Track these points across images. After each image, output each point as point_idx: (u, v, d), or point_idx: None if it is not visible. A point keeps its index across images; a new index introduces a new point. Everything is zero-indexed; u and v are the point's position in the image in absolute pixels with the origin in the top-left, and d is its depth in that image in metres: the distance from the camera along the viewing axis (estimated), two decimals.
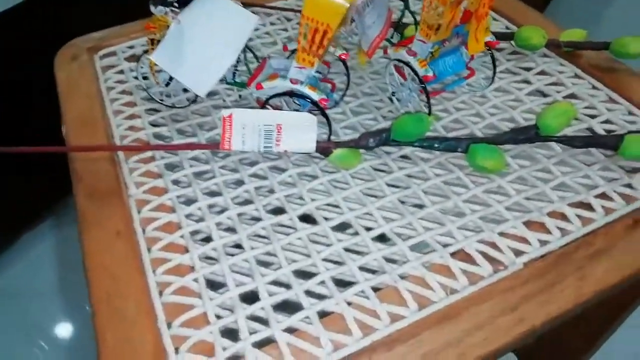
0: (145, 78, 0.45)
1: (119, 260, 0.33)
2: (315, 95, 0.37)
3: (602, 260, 0.31)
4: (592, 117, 0.41)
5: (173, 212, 0.36)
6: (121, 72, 0.50)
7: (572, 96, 0.43)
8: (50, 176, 0.81)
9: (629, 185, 0.35)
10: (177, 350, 0.29)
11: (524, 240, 0.32)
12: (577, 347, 0.60)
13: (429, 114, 0.39)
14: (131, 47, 0.53)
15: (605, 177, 0.36)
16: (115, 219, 0.36)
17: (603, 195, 0.35)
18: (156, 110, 0.45)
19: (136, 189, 0.38)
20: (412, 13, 0.46)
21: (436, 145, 0.37)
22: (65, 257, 0.96)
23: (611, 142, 0.36)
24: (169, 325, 0.30)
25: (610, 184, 0.35)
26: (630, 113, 0.41)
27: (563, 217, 0.34)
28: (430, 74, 0.38)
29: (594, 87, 0.44)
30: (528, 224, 0.33)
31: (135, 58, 0.51)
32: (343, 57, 0.41)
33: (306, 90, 0.37)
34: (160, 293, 0.31)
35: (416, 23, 0.46)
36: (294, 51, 0.43)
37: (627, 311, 0.51)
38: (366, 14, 0.40)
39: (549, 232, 0.33)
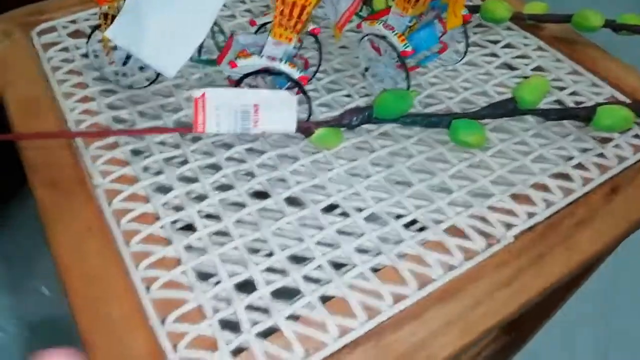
0: (96, 57, 0.41)
1: (95, 258, 0.30)
2: (295, 73, 0.35)
3: (585, 229, 0.32)
4: (560, 89, 0.42)
5: (148, 202, 0.33)
6: (65, 49, 0.45)
7: (538, 69, 0.44)
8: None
9: (602, 155, 0.37)
10: (175, 347, 0.27)
11: (511, 213, 0.33)
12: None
13: (408, 89, 0.39)
14: (73, 22, 0.48)
15: (580, 147, 0.37)
16: (84, 213, 0.33)
17: (579, 166, 0.36)
18: (112, 92, 0.41)
19: (102, 178, 0.34)
20: None
21: (418, 122, 0.36)
22: None
23: (584, 114, 0.37)
24: (163, 322, 0.28)
25: (585, 155, 0.37)
26: (594, 84, 0.43)
27: (545, 188, 0.35)
28: (409, 48, 0.37)
29: (558, 60, 0.45)
30: (514, 197, 0.34)
31: (80, 34, 0.46)
32: (315, 31, 0.40)
33: (286, 67, 0.35)
34: (147, 289, 0.29)
35: None
36: (262, 26, 0.41)
37: (583, 279, 0.54)
38: None
39: (534, 204, 0.34)
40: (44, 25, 0.47)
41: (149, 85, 0.41)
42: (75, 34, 0.46)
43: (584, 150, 0.37)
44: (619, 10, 0.48)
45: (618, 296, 0.98)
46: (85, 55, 0.43)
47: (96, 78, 0.42)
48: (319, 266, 0.30)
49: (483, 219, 0.33)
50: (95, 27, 0.40)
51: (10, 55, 0.45)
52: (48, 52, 0.45)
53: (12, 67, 0.43)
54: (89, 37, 0.40)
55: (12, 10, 0.49)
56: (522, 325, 0.68)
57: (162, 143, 0.37)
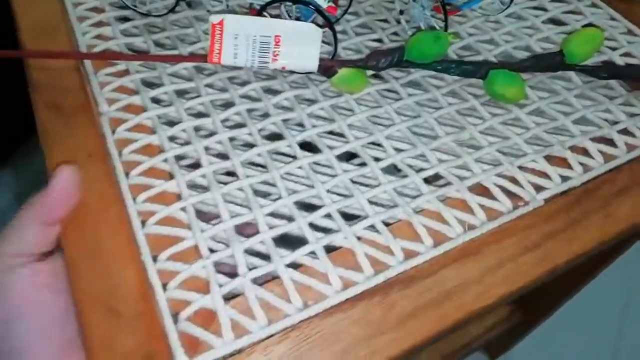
0: None
1: (92, 185, 0.29)
2: (323, 2, 0.32)
3: (626, 198, 0.29)
4: (612, 49, 0.38)
5: (153, 134, 0.31)
6: None
7: (589, 26, 0.40)
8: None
9: None
10: (165, 286, 0.25)
11: (544, 175, 0.30)
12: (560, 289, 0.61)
13: (445, 31, 0.35)
14: None
15: (628, 112, 0.33)
16: (85, 138, 0.31)
17: (625, 131, 0.32)
18: (128, 19, 0.39)
19: (108, 106, 0.33)
20: None
21: (452, 70, 0.33)
22: None
23: (638, 73, 0.33)
24: (155, 259, 0.26)
25: (633, 119, 0.33)
26: None
27: (585, 152, 0.31)
28: None
29: (612, 18, 0.40)
30: (549, 159, 0.31)
31: None
32: None
33: None
34: (143, 223, 0.27)
35: None
36: None
37: (611, 258, 0.51)
38: None
39: (570, 167, 0.30)
40: None
41: (167, 13, 0.39)
42: None
43: (632, 115, 0.33)
44: None
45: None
46: None
47: (112, 3, 0.40)
48: (328, 214, 0.28)
49: (512, 179, 0.30)
50: None
51: None
52: None
53: None
54: None
55: None
56: (536, 304, 0.65)
57: (175, 75, 0.35)
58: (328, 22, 0.32)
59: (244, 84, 0.34)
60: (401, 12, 0.38)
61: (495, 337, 0.71)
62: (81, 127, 0.32)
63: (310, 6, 0.32)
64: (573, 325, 0.87)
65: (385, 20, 0.40)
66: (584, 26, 0.40)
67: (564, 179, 0.30)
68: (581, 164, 0.31)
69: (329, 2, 0.32)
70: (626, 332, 0.89)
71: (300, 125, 0.33)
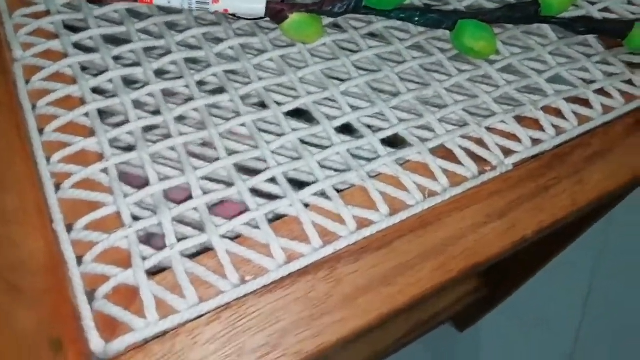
0: None
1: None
2: None
3: (600, 164, 0.27)
4: (591, 3, 0.35)
5: (74, 84, 0.27)
6: None
7: None
8: None
9: (630, 82, 0.30)
10: (80, 259, 0.22)
11: (514, 137, 0.27)
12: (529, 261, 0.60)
13: None
14: None
15: (605, 71, 0.31)
16: None
17: (601, 91, 0.30)
18: None
19: (23, 51, 0.28)
20: None
21: (417, 19, 0.30)
22: None
23: (618, 29, 0.30)
24: (69, 229, 0.22)
25: (610, 79, 0.30)
26: (630, 2, 0.35)
27: (558, 113, 0.29)
28: None
29: None
30: (519, 119, 0.28)
31: None
32: None
33: None
34: (57, 187, 0.23)
35: None
36: None
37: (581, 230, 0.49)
38: None
39: (542, 129, 0.28)
40: None
41: None
42: None
43: (610, 75, 0.31)
44: None
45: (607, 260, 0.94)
46: None
47: None
48: (272, 179, 0.25)
49: (479, 141, 0.27)
50: None
51: None
52: None
53: None
54: None
55: None
56: (505, 274, 0.64)
57: (104, 18, 0.30)
58: None
59: (182, 30, 0.30)
60: None
61: (464, 309, 0.70)
62: None
63: None
64: (541, 297, 0.88)
65: None
66: None
67: (535, 142, 0.27)
68: (554, 125, 0.28)
69: None
70: (592, 301, 0.90)
71: (246, 77, 0.29)
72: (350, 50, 0.31)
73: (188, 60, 0.29)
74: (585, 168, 0.26)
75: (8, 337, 0.20)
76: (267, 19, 0.29)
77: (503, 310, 0.78)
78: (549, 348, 0.87)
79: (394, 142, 0.27)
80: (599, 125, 0.28)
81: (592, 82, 0.30)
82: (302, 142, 0.26)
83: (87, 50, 0.29)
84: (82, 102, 0.26)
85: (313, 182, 0.25)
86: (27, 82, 0.27)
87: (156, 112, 0.27)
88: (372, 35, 0.32)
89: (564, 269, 0.84)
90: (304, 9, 0.29)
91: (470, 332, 0.85)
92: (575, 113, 0.29)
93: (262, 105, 0.28)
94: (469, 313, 0.77)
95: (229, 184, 0.24)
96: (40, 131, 0.25)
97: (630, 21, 0.30)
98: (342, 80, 0.29)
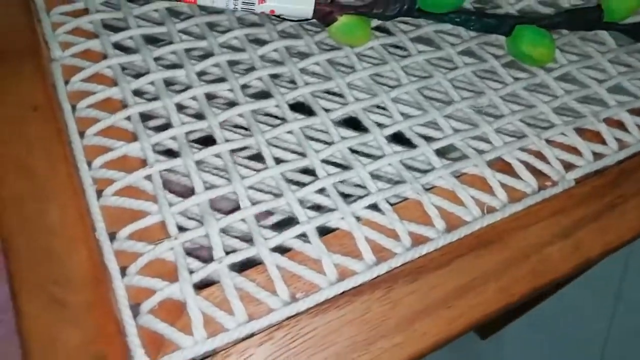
0: None
1: (37, 145, 0.24)
2: None
3: None
4: None
5: (115, 86, 0.26)
6: None
7: None
8: None
9: None
10: (123, 271, 0.21)
11: (575, 150, 0.26)
12: None
13: None
14: None
15: None
16: (32, 89, 0.26)
17: None
18: None
19: (62, 51, 0.27)
20: None
21: (472, 23, 0.28)
22: None
23: None
24: (112, 238, 0.21)
25: None
26: None
27: (621, 125, 0.27)
28: None
29: None
30: (580, 132, 0.26)
31: None
32: None
33: None
34: (99, 193, 0.23)
35: None
36: None
37: None
38: None
39: (605, 142, 0.26)
40: None
41: None
42: None
43: None
44: None
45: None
46: None
47: None
48: (323, 189, 0.23)
49: (538, 155, 0.25)
50: None
51: None
52: None
53: None
54: None
55: None
56: None
57: (144, 17, 0.29)
58: None
59: (225, 31, 0.29)
60: None
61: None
62: (28, 73, 0.26)
63: None
64: (566, 306, 0.85)
65: None
66: None
67: (598, 156, 0.26)
68: (617, 139, 0.26)
69: None
70: (619, 315, 0.88)
71: (292, 82, 0.28)
72: (400, 55, 0.29)
73: (230, 63, 0.28)
74: None
75: (52, 353, 0.19)
76: (314, 20, 0.28)
77: (527, 318, 0.76)
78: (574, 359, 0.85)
79: (446, 152, 0.26)
80: None
81: None
82: (352, 151, 0.25)
83: (126, 50, 0.28)
84: (123, 104, 0.25)
85: (365, 194, 0.23)
86: (67, 83, 0.26)
87: (198, 116, 0.26)
88: (421, 38, 0.30)
89: (590, 279, 0.82)
90: (354, 10, 0.27)
91: (492, 340, 0.83)
92: (639, 126, 0.27)
93: (309, 111, 0.26)
94: (493, 320, 0.75)
95: (277, 194, 0.23)
96: (81, 134, 0.24)
97: None
98: (391, 87, 0.28)
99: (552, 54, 0.28)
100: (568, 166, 0.25)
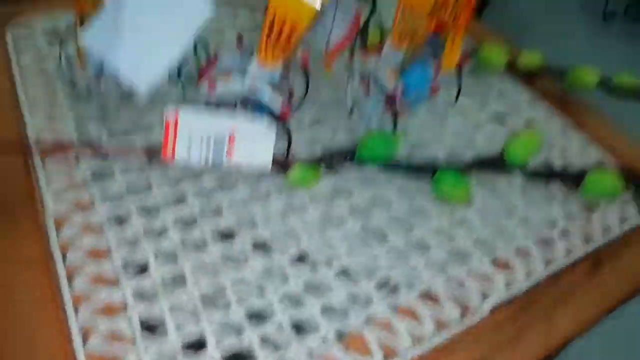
0: (68, 63, 0.39)
1: (30, 295, 0.27)
2: (277, 107, 0.32)
3: (567, 306, 0.31)
4: (549, 146, 0.40)
5: (101, 234, 0.30)
6: (39, 51, 0.42)
7: (529, 122, 0.43)
8: None
9: (587, 223, 0.35)
10: None
11: (490, 280, 0.31)
12: None
13: (394, 131, 0.37)
14: (52, 21, 0.45)
15: (566, 212, 0.35)
16: (27, 239, 0.30)
17: (564, 232, 0.34)
18: (81, 104, 0.38)
19: (54, 202, 0.32)
20: (380, 15, 0.43)
21: (401, 169, 0.34)
22: None
23: (572, 179, 0.35)
24: None
25: (570, 221, 0.35)
26: (585, 145, 0.41)
27: (527, 254, 0.33)
28: (399, 89, 0.35)
29: (549, 115, 0.43)
30: (494, 262, 0.32)
31: (57, 36, 0.44)
32: (305, 59, 0.37)
33: (267, 95, 0.32)
34: (85, 339, 0.26)
35: (382, 29, 0.43)
36: (250, 48, 0.38)
37: None
38: (332, 13, 0.37)
39: (514, 271, 0.32)
40: (20, 23, 0.44)
41: (121, 100, 0.38)
42: (53, 36, 0.44)
43: (570, 216, 0.35)
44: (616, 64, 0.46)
45: None
46: (59, 60, 0.40)
47: (66, 87, 0.39)
48: (279, 325, 0.28)
49: (460, 284, 0.30)
50: (71, 31, 0.37)
51: None
52: (20, 50, 0.42)
53: None
54: (61, 41, 0.38)
55: None
56: None
57: (127, 167, 0.34)
58: (283, 125, 0.33)
59: (197, 176, 0.34)
60: (352, 107, 0.40)
61: None
62: (23, 223, 0.30)
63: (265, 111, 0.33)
64: None
65: (339, 111, 0.41)
66: (524, 122, 0.42)
67: (509, 284, 0.31)
68: (524, 269, 0.32)
69: (282, 102, 0.33)
70: None
71: (253, 222, 0.32)
72: (345, 193, 0.35)
73: (201, 207, 0.33)
74: (553, 312, 0.30)
75: None
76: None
77: None
78: None
79: (383, 285, 0.31)
80: (563, 267, 0.32)
81: (554, 223, 0.35)
82: (306, 285, 0.29)
83: (112, 198, 0.32)
84: (108, 252, 0.30)
85: (315, 328, 0.28)
86: (58, 232, 0.30)
87: (173, 257, 0.30)
88: (363, 179, 0.36)
89: None
90: (305, 162, 0.33)
91: None
92: (542, 256, 0.33)
93: (268, 250, 0.31)
94: None
95: (240, 331, 0.27)
96: (70, 281, 0.28)
97: (581, 173, 0.35)
98: (338, 225, 0.33)
99: (468, 195, 0.34)
100: (484, 295, 0.30)
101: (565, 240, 0.34)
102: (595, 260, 0.33)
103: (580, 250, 0.33)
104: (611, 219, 0.36)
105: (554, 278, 0.32)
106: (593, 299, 0.31)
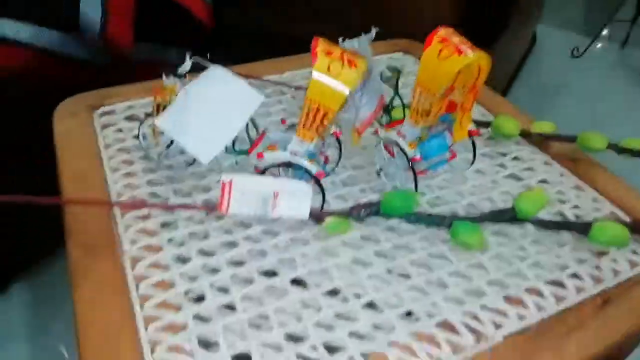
0: (144, 139, 0.47)
1: (111, 316, 0.33)
2: (313, 168, 0.39)
3: (575, 338, 0.33)
4: (562, 202, 0.44)
5: (167, 270, 0.37)
6: (120, 130, 0.52)
7: (543, 181, 0.47)
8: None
9: (597, 267, 0.38)
10: None
11: (503, 313, 0.34)
12: None
13: (415, 190, 0.42)
14: (130, 107, 0.55)
15: (576, 257, 0.39)
16: (109, 275, 0.36)
17: (574, 275, 0.37)
18: (153, 170, 0.47)
19: (130, 245, 0.38)
20: (401, 97, 0.51)
21: (421, 221, 0.39)
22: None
23: (580, 228, 0.39)
24: None
25: (581, 265, 0.38)
26: (595, 200, 0.45)
27: (539, 293, 0.36)
28: (418, 155, 0.41)
29: (562, 175, 0.48)
30: (507, 299, 0.35)
31: (134, 118, 0.53)
32: (337, 134, 0.45)
33: (305, 162, 0.39)
34: (152, 351, 0.31)
35: (404, 106, 0.50)
36: (292, 125, 0.46)
37: None
38: (359, 96, 0.44)
39: (526, 306, 0.35)
40: (105, 108, 0.54)
41: (186, 167, 0.47)
42: (131, 118, 0.53)
43: (580, 261, 0.39)
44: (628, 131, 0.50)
45: None
46: (136, 137, 0.49)
47: (142, 157, 0.48)
48: (313, 346, 0.32)
49: (475, 317, 0.34)
50: (149, 114, 0.46)
51: (74, 131, 0.51)
52: (104, 130, 0.51)
53: (73, 141, 0.50)
54: (141, 122, 0.47)
55: (82, 93, 0.57)
56: None
57: (190, 219, 0.41)
58: (316, 183, 0.39)
59: (246, 226, 0.41)
60: (380, 169, 0.46)
61: None
62: (105, 263, 0.37)
63: (303, 170, 0.39)
64: None
65: (368, 174, 0.47)
66: (538, 182, 0.47)
67: (521, 317, 0.34)
68: (536, 304, 0.35)
69: (319, 168, 0.39)
70: None
71: (293, 262, 0.38)
72: (372, 240, 0.40)
73: (249, 250, 0.39)
74: (562, 342, 0.33)
75: None
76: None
77: None
78: None
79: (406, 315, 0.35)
80: (574, 303, 0.35)
81: (566, 267, 0.38)
82: (336, 315, 0.34)
83: (177, 244, 0.39)
84: (172, 285, 0.36)
85: (343, 349, 0.32)
86: (133, 268, 0.37)
87: (225, 290, 0.35)
88: (389, 228, 0.41)
89: None
90: (337, 214, 0.39)
91: None
92: (553, 293, 0.36)
93: (305, 285, 0.36)
94: None
95: (279, 349, 0.32)
96: (141, 307, 0.34)
97: (587, 223, 0.39)
98: (365, 266, 0.38)
99: (482, 243, 0.38)
100: (498, 326, 0.34)
101: (576, 281, 0.37)
102: (605, 298, 0.36)
103: (590, 289, 0.36)
104: (621, 264, 0.39)
105: (564, 313, 0.35)
106: (601, 333, 0.34)
